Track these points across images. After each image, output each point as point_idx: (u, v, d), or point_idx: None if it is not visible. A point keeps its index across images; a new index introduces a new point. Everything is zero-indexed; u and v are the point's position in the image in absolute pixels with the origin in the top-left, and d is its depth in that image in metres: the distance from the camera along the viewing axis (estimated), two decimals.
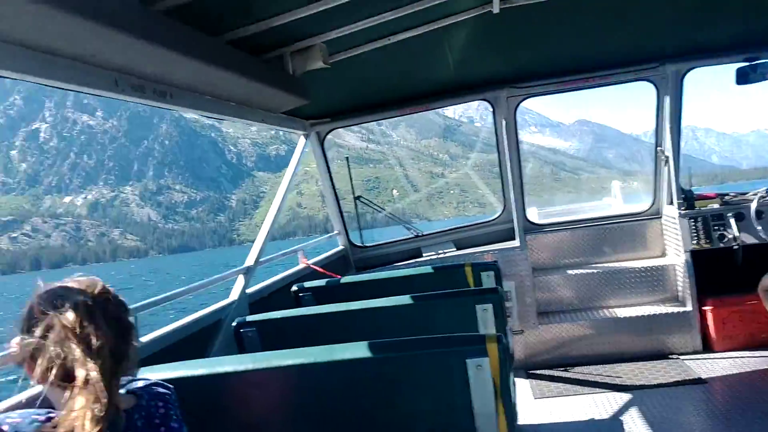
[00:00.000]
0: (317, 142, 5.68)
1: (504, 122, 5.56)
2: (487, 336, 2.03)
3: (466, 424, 2.04)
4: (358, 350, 2.10)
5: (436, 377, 2.05)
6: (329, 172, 5.89)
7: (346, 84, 4.88)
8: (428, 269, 4.14)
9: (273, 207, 4.74)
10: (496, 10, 3.80)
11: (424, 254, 5.94)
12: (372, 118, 5.83)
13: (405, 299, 3.04)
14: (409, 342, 2.13)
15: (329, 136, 5.83)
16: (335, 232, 6.07)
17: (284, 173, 5.17)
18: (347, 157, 8.35)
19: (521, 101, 5.62)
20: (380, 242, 6.30)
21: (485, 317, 2.79)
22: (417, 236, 6.15)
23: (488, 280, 3.67)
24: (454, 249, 5.94)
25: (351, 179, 6.36)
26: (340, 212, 6.01)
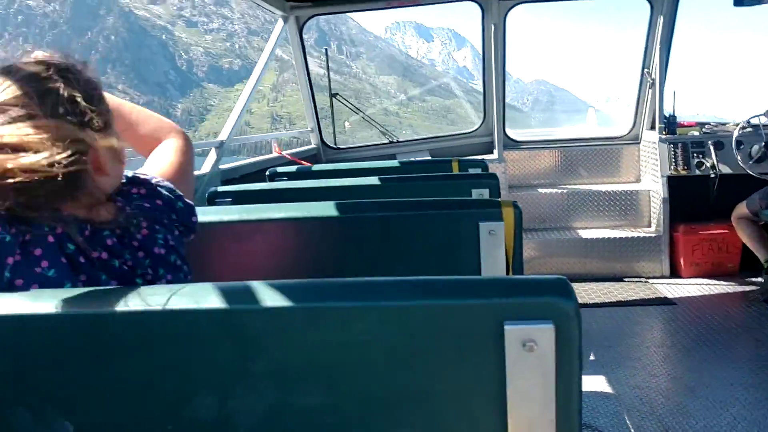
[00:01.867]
0: (296, 28, 5.29)
1: (493, 27, 5.29)
2: (503, 201, 1.86)
3: None
4: (362, 209, 1.89)
5: (446, 239, 1.85)
6: (306, 63, 5.53)
7: None
8: (408, 163, 3.93)
9: (249, 84, 4.48)
10: None
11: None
12: (354, 8, 5.44)
13: (394, 183, 2.79)
14: (421, 203, 1.93)
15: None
16: (308, 129, 5.77)
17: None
18: (326, 49, 7.82)
19: (513, 6, 5.33)
20: (354, 145, 6.04)
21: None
22: (392, 142, 5.91)
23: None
24: (430, 158, 5.74)
25: (329, 73, 6.01)
26: (315, 108, 5.70)
